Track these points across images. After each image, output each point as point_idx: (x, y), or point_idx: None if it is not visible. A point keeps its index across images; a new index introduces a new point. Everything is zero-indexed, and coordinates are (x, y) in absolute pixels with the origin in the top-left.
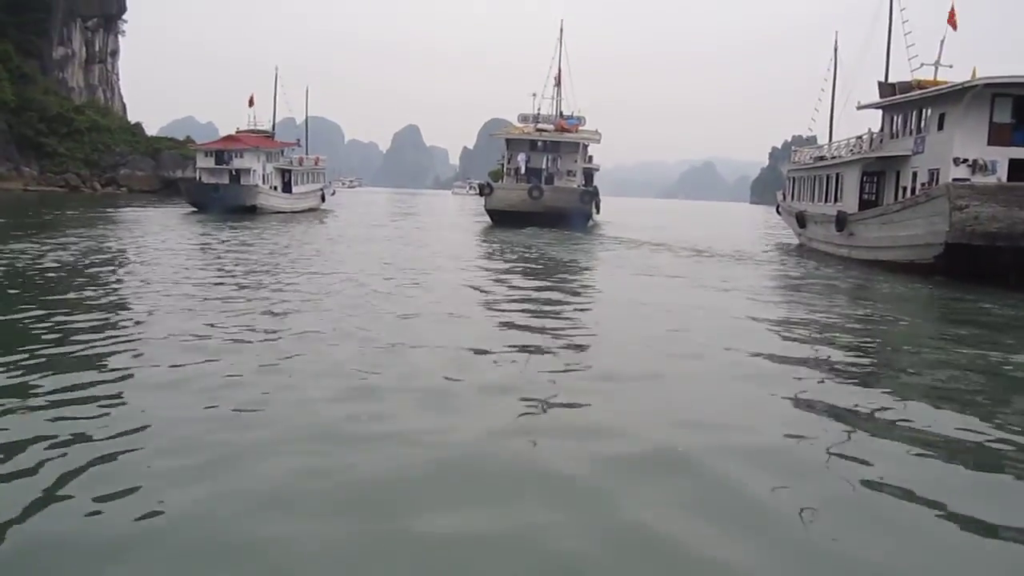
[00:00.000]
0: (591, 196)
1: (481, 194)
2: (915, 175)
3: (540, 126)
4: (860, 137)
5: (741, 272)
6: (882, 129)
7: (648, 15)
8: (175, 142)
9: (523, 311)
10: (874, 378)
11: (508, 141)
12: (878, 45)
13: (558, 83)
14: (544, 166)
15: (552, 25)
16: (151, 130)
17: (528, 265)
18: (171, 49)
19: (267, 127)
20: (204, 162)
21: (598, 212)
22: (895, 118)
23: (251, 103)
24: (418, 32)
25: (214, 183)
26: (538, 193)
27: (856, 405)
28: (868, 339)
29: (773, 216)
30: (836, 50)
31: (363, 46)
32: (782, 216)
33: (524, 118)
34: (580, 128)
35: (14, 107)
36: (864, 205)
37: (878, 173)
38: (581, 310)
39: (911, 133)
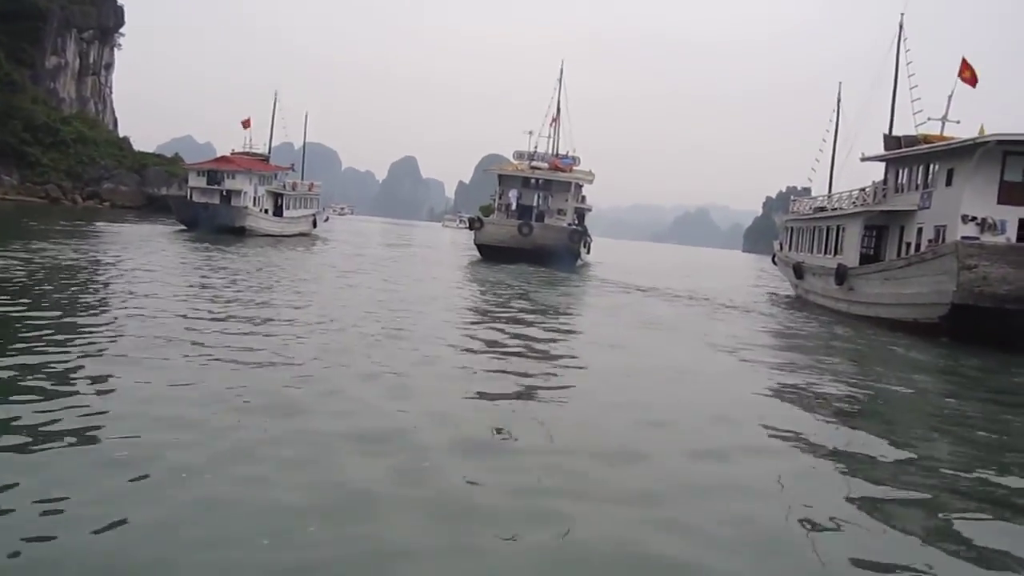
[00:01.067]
0: (580, 235)
1: (471, 228)
2: (920, 231)
3: (534, 164)
4: (863, 189)
5: (735, 324)
6: (886, 182)
7: (650, 59)
8: (162, 159)
9: (497, 370)
10: (885, 467)
11: (501, 177)
12: (882, 97)
13: (555, 122)
14: (535, 203)
15: (554, 64)
16: (150, 147)
17: (510, 312)
18: (173, 69)
19: (264, 150)
20: (196, 181)
21: (588, 252)
22: (901, 172)
23: (246, 125)
24: (422, 66)
25: (204, 202)
26: (527, 230)
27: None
28: (872, 407)
29: (766, 265)
30: (839, 101)
31: (364, 76)
32: (778, 266)
33: (520, 155)
34: (574, 168)
35: None
36: (865, 259)
37: (881, 227)
38: (564, 367)
39: (917, 188)
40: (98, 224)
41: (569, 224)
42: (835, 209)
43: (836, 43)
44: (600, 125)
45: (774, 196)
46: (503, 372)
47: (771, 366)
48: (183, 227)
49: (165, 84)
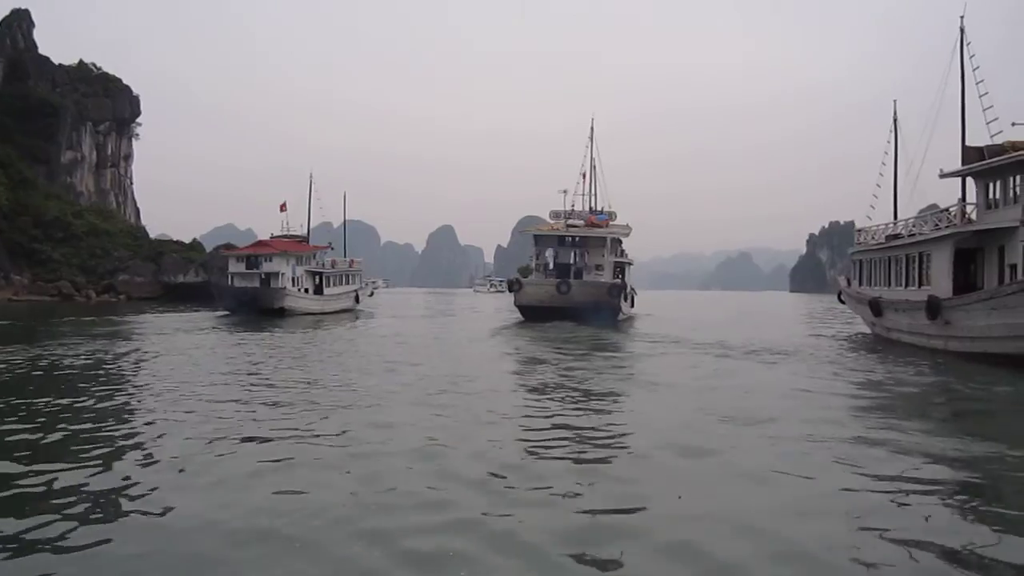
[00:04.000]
0: (619, 290)
1: (510, 290)
2: None
3: (570, 222)
4: (946, 210)
5: (816, 375)
6: (970, 198)
7: (670, 123)
8: (179, 245)
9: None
10: None
11: (536, 237)
12: (946, 115)
13: (589, 179)
14: (572, 261)
15: (586, 124)
16: (191, 236)
17: (556, 390)
18: (210, 161)
19: (302, 231)
20: (236, 267)
21: (632, 306)
22: (992, 185)
23: (283, 209)
24: (455, 139)
25: (244, 286)
26: (566, 288)
27: None
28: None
29: (819, 303)
30: (895, 121)
31: (400, 154)
32: (847, 303)
33: (556, 215)
34: (610, 223)
35: (7, 212)
36: (960, 288)
37: (975, 250)
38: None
39: (1016, 200)
40: (126, 318)
41: (609, 279)
42: (912, 235)
43: (864, 89)
44: (636, 184)
45: (817, 233)
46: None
47: (921, 454)
48: (226, 312)
49: (200, 176)
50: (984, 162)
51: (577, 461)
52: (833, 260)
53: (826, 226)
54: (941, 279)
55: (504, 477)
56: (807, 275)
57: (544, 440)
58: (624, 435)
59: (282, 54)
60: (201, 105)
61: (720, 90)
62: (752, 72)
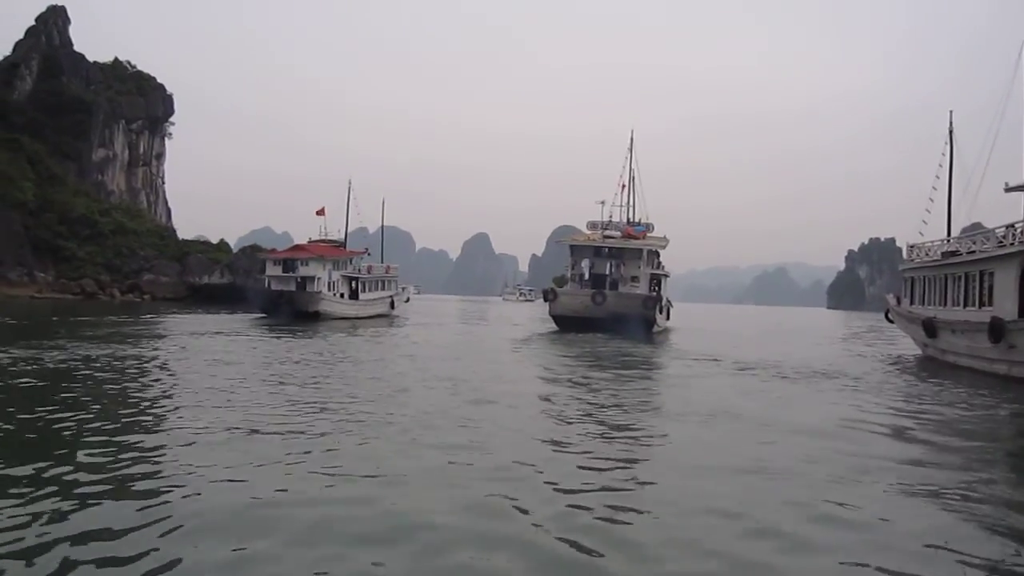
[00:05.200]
0: (654, 302)
1: (545, 300)
2: None
3: (607, 233)
4: (1012, 225)
5: (867, 406)
6: None
7: (705, 133)
8: (206, 245)
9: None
10: None
11: (572, 247)
12: (1006, 130)
13: (628, 190)
14: (608, 272)
15: (625, 133)
16: (230, 239)
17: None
18: (250, 165)
19: (339, 237)
20: (272, 270)
21: (668, 318)
22: None
23: (321, 213)
24: (494, 147)
25: (280, 289)
26: (601, 299)
27: None
28: None
29: (859, 321)
30: (951, 132)
31: (435, 164)
32: (896, 323)
33: (593, 225)
34: (647, 235)
35: (33, 208)
36: None
37: None
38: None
39: None
40: (162, 318)
41: (645, 291)
42: (971, 252)
43: (900, 96)
44: (671, 194)
45: (856, 249)
46: None
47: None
48: (263, 314)
49: (243, 178)
50: None
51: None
52: (872, 277)
53: (866, 242)
54: (1005, 300)
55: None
56: (845, 291)
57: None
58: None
59: (320, 65)
60: (241, 113)
61: (749, 97)
62: (780, 80)
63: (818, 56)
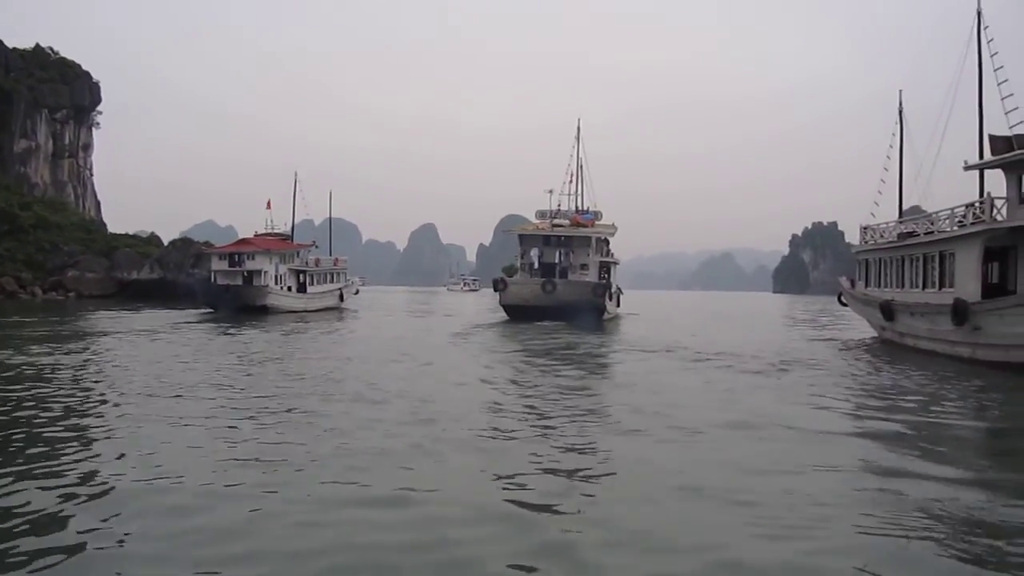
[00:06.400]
0: (604, 289)
1: (495, 289)
2: None
3: (556, 221)
4: (971, 205)
5: (846, 395)
6: (996, 193)
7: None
8: (135, 239)
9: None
10: None
11: (521, 237)
12: (959, 110)
13: (575, 179)
14: (557, 260)
15: (570, 123)
16: (172, 233)
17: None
18: (188, 155)
19: (285, 230)
20: (218, 264)
21: (618, 305)
22: None
23: (268, 206)
24: (438, 134)
25: (226, 284)
26: (551, 287)
27: None
28: None
29: (808, 305)
30: (901, 113)
31: (381, 152)
32: (850, 306)
33: (542, 214)
34: (596, 223)
35: None
36: (990, 291)
37: (1007, 248)
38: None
39: None
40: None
41: (595, 279)
42: (930, 233)
43: (856, 88)
44: (618, 182)
45: (800, 234)
46: None
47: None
48: (209, 309)
49: (178, 171)
50: (1014, 153)
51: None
52: (816, 261)
53: (809, 227)
54: (968, 281)
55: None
56: (790, 276)
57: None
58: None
59: (261, 43)
60: (180, 95)
61: (701, 87)
62: (734, 70)
63: (776, 45)
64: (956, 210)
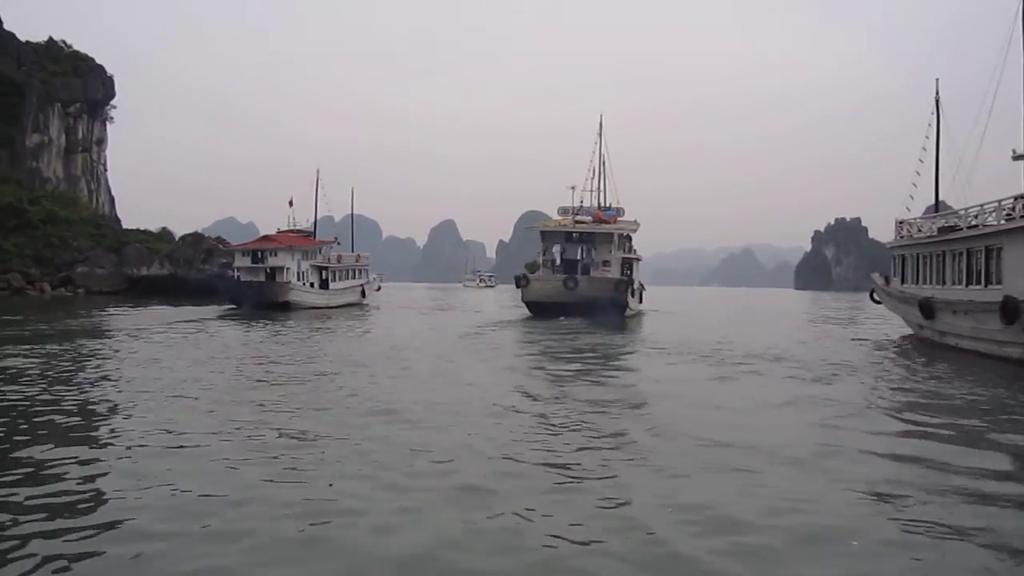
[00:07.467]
0: (626, 286)
1: (517, 286)
2: None
3: (578, 218)
4: (1021, 197)
5: (898, 406)
6: None
7: (670, 117)
8: (147, 234)
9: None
10: None
11: (543, 233)
12: (1001, 96)
13: (598, 175)
14: (579, 257)
15: (592, 121)
16: (193, 230)
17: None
18: (212, 155)
19: (308, 227)
20: (241, 261)
21: (640, 301)
22: None
23: (291, 204)
24: (457, 133)
25: (249, 280)
26: (573, 284)
27: None
28: None
29: (834, 302)
30: (938, 103)
31: (401, 150)
32: (884, 303)
33: (564, 211)
34: (618, 219)
35: None
36: None
37: None
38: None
39: None
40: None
41: (617, 275)
42: (973, 227)
43: (874, 81)
44: (639, 178)
45: (822, 230)
46: None
47: None
48: (232, 305)
49: (202, 169)
50: None
51: None
52: (839, 257)
53: (832, 223)
54: (1018, 277)
55: None
56: (812, 272)
57: None
58: None
59: (283, 46)
60: (203, 97)
61: (722, 83)
62: (754, 65)
63: (795, 39)
64: (1004, 202)
